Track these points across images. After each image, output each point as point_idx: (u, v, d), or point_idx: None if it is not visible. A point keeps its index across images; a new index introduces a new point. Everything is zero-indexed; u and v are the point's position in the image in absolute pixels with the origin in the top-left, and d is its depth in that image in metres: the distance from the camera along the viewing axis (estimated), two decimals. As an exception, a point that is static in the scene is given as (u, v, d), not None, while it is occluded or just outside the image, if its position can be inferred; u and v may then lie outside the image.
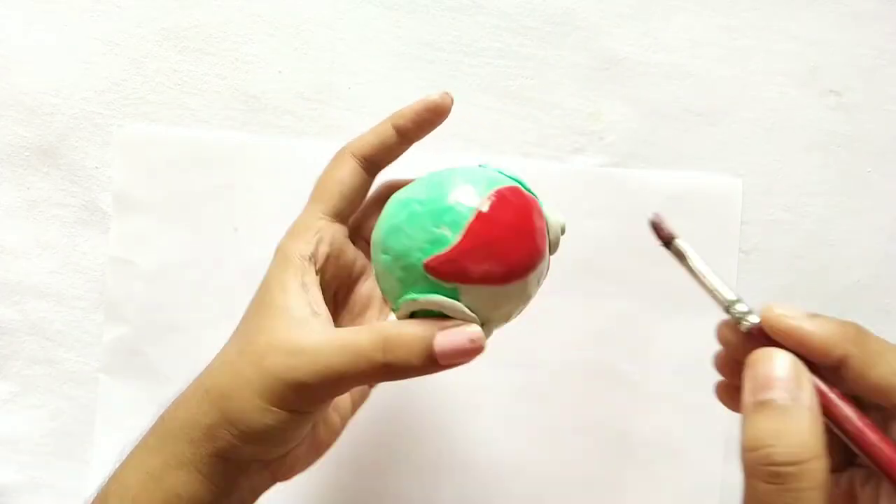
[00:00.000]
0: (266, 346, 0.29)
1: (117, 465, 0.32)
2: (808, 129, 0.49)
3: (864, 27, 0.50)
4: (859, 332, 0.25)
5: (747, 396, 0.24)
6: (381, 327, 0.28)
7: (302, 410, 0.29)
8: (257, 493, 0.33)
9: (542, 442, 0.48)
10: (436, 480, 0.47)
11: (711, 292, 0.27)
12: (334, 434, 0.36)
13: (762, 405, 0.23)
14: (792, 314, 0.25)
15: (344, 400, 0.36)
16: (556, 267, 0.49)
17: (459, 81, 0.48)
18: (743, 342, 0.26)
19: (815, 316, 0.26)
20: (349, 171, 0.34)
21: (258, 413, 0.29)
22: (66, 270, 0.46)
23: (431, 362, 0.28)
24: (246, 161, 0.46)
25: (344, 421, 0.36)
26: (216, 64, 0.47)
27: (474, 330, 0.28)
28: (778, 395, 0.23)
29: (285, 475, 0.34)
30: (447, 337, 0.27)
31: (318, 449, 0.35)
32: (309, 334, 0.29)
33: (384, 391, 0.48)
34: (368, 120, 0.47)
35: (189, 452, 0.30)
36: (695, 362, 0.49)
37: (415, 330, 0.28)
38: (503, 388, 0.47)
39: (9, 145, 0.46)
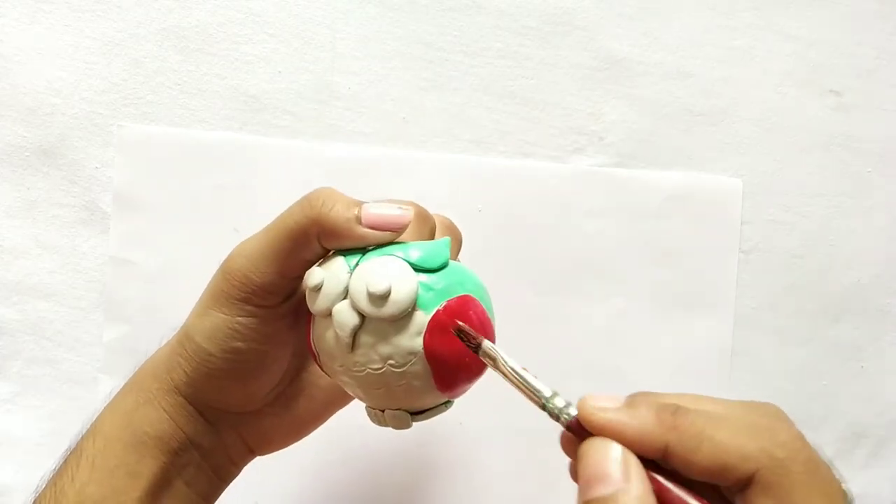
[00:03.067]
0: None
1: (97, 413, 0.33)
2: (808, 129, 0.49)
3: (864, 27, 0.50)
4: (676, 416, 0.23)
5: (579, 496, 0.23)
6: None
7: (235, 299, 0.29)
8: (236, 463, 0.34)
9: (542, 442, 0.48)
10: (436, 480, 0.47)
11: (526, 390, 0.26)
12: (315, 415, 0.34)
13: (591, 503, 0.22)
14: (607, 406, 0.24)
15: (327, 380, 0.34)
16: (557, 267, 0.49)
17: (459, 81, 0.48)
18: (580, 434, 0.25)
19: (632, 405, 0.24)
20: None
21: (198, 318, 0.30)
22: (66, 270, 0.46)
23: (357, 221, 0.28)
24: (246, 161, 0.46)
25: (328, 405, 0.35)
26: (216, 64, 0.47)
27: (405, 208, 0.29)
28: (603, 490, 0.22)
29: (260, 445, 0.34)
30: (376, 205, 0.29)
31: (297, 426, 0.34)
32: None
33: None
34: (368, 120, 0.47)
35: (154, 388, 0.31)
36: (694, 362, 0.49)
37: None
38: (503, 389, 0.47)
39: (9, 145, 0.46)
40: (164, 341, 0.33)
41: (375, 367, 0.27)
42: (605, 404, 0.24)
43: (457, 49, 0.48)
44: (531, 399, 0.25)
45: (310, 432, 0.35)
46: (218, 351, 0.30)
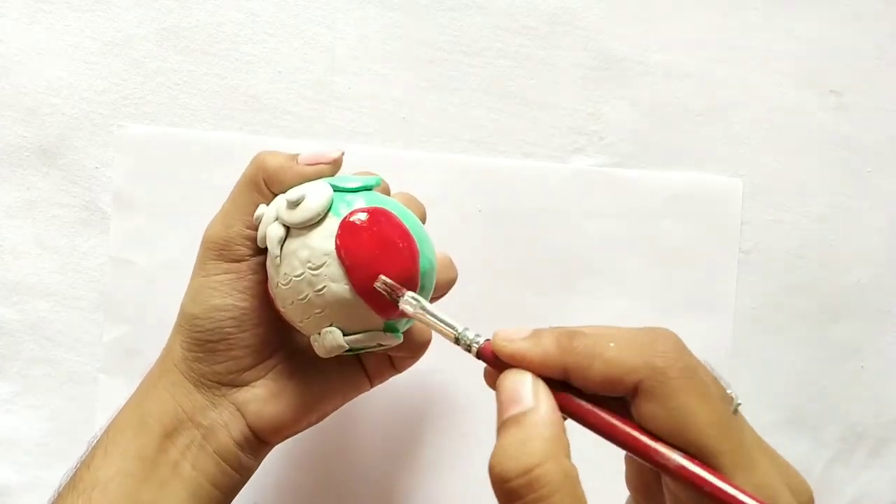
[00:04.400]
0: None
1: None
2: (808, 129, 0.49)
3: (864, 27, 0.50)
4: (572, 340, 0.25)
5: (497, 420, 0.25)
6: None
7: (210, 259, 0.33)
8: (244, 449, 0.34)
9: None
10: (435, 481, 0.47)
11: (441, 326, 0.28)
12: (316, 397, 0.35)
13: (503, 425, 0.25)
14: (514, 337, 0.26)
15: (328, 364, 0.35)
16: (556, 267, 0.49)
17: (459, 81, 0.48)
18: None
19: (535, 335, 0.26)
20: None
21: (186, 291, 0.34)
22: (66, 270, 0.46)
23: (294, 161, 0.33)
24: (246, 161, 0.46)
25: (332, 397, 0.36)
26: (216, 64, 0.47)
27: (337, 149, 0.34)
28: (515, 410, 0.25)
29: (263, 428, 0.34)
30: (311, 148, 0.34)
31: (296, 407, 0.34)
32: None
33: (384, 391, 0.48)
34: (368, 120, 0.47)
35: (157, 372, 0.34)
36: (695, 362, 0.49)
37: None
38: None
39: (9, 145, 0.46)
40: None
41: (297, 273, 0.30)
42: (512, 336, 0.26)
43: (457, 49, 0.48)
44: (444, 334, 0.28)
45: (314, 418, 0.36)
46: (201, 312, 0.33)
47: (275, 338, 0.35)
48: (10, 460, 0.46)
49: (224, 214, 0.34)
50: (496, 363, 0.27)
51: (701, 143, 0.49)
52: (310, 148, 0.34)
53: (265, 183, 0.33)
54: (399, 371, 0.38)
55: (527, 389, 0.25)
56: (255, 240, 0.33)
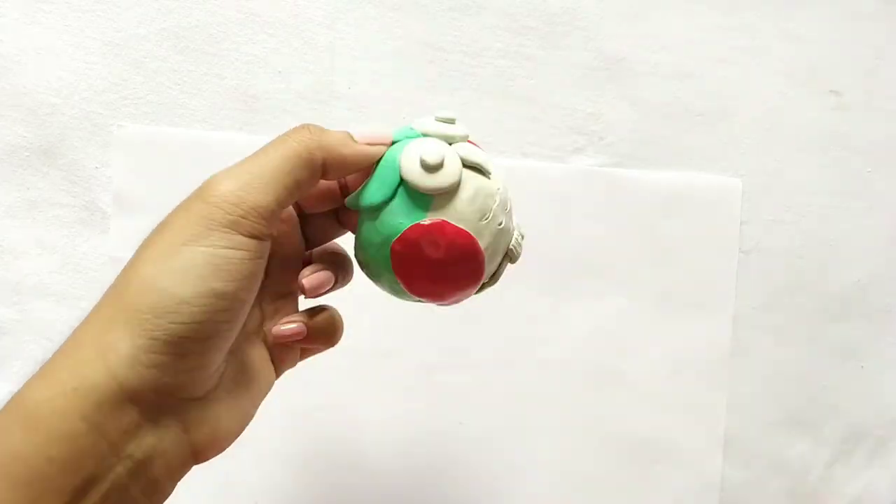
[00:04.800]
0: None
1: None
2: (808, 129, 0.49)
3: (864, 27, 0.50)
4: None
5: None
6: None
7: (221, 225, 0.26)
8: (172, 478, 0.26)
9: (542, 442, 0.48)
10: (435, 480, 0.47)
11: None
12: (253, 401, 0.30)
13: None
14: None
15: (254, 363, 0.30)
16: (557, 267, 0.49)
17: (459, 81, 0.48)
18: None
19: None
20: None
21: (162, 261, 0.25)
22: (66, 270, 0.46)
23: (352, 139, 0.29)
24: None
25: (261, 387, 0.30)
26: (216, 64, 0.47)
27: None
28: None
29: (205, 443, 0.27)
30: (358, 128, 0.29)
31: (239, 416, 0.29)
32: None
33: (383, 389, 0.48)
34: (368, 120, 0.47)
35: (63, 391, 0.24)
36: (694, 362, 0.49)
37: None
38: (503, 388, 0.47)
39: (9, 145, 0.46)
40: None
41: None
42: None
43: (457, 49, 0.48)
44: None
45: (245, 427, 0.30)
46: (193, 295, 0.24)
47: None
48: None
49: (253, 176, 0.26)
50: None
51: (701, 143, 0.49)
52: (356, 129, 0.29)
53: (324, 162, 0.27)
54: (298, 361, 0.33)
55: None
56: (277, 222, 0.27)
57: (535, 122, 0.48)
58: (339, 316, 0.31)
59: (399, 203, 0.28)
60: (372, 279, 0.30)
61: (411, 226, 0.27)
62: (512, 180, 0.49)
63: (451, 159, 0.28)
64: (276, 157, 0.27)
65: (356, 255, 0.30)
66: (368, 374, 0.47)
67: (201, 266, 0.25)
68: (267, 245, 0.27)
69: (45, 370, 0.24)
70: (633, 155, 0.48)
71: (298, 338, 0.30)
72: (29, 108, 0.46)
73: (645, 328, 0.48)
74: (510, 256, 0.31)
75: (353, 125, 0.48)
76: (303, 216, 0.32)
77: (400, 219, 0.28)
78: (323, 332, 0.31)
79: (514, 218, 0.31)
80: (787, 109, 0.49)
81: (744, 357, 0.49)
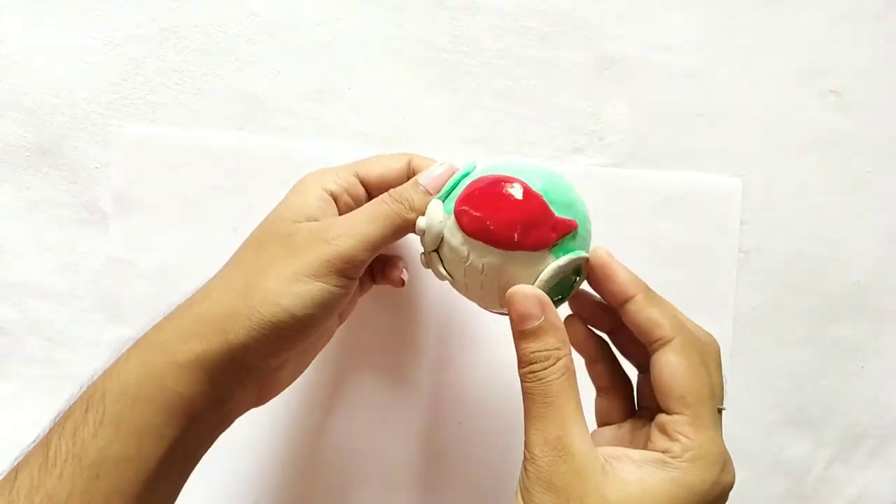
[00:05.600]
0: (300, 236, 0.35)
1: (110, 364, 0.34)
2: (808, 129, 0.49)
3: (864, 27, 0.50)
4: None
5: (512, 329, 0.32)
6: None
7: (338, 273, 0.33)
8: (237, 417, 0.36)
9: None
10: (435, 481, 0.47)
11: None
12: (310, 355, 0.40)
13: (522, 334, 0.32)
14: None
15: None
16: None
17: (459, 81, 0.48)
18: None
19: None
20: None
21: (286, 284, 0.33)
22: (66, 270, 0.46)
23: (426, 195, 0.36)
24: (246, 161, 0.46)
25: (320, 346, 0.41)
26: (216, 64, 0.47)
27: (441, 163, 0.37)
28: (531, 323, 0.31)
29: (269, 396, 0.37)
30: (427, 174, 0.37)
31: (299, 370, 0.39)
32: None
33: (383, 389, 0.48)
34: (368, 120, 0.47)
35: (199, 349, 0.32)
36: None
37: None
38: (502, 389, 0.47)
39: (9, 145, 0.46)
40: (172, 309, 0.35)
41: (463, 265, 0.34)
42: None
43: (457, 49, 0.48)
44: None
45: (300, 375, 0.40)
46: (302, 315, 0.33)
47: None
48: (11, 460, 0.46)
49: (369, 241, 0.34)
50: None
51: (701, 143, 0.49)
52: (425, 173, 0.37)
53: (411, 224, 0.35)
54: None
55: (539, 303, 0.32)
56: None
57: (535, 122, 0.48)
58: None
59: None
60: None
61: (468, 183, 0.35)
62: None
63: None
64: (388, 227, 0.35)
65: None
66: (368, 374, 0.47)
67: (317, 298, 0.33)
68: (356, 282, 0.35)
69: (185, 333, 0.33)
70: (633, 155, 0.48)
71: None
72: (29, 108, 0.46)
73: (645, 328, 0.48)
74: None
75: (353, 125, 0.48)
76: None
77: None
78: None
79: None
80: (787, 109, 0.49)
81: (744, 357, 0.49)
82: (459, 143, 0.48)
